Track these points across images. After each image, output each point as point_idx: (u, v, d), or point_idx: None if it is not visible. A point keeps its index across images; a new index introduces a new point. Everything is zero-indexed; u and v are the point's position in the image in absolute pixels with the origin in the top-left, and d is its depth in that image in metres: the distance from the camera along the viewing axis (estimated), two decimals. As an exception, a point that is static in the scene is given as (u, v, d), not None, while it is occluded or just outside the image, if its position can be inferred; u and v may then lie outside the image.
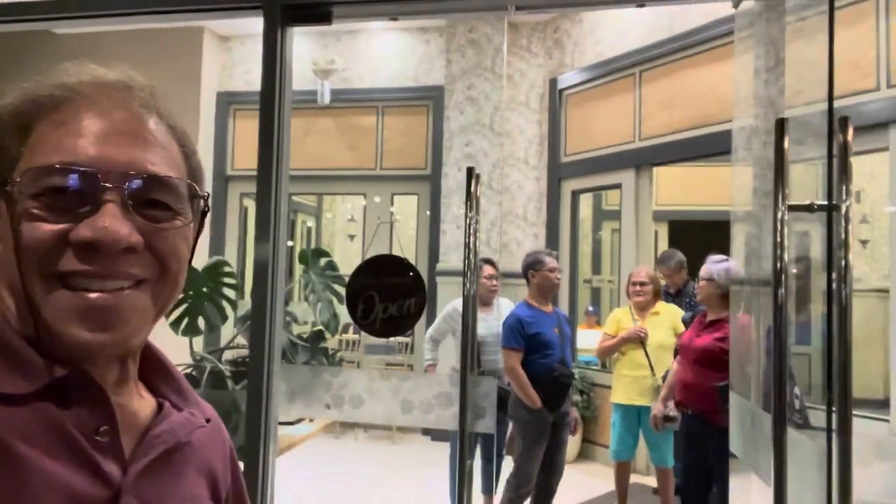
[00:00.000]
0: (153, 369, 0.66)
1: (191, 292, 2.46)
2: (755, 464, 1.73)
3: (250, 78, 6.60)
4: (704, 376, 3.06)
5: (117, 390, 0.60)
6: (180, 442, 0.63)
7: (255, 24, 2.19)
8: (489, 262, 4.01)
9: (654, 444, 3.88)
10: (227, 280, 2.52)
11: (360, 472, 4.86)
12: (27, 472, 0.51)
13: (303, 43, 6.46)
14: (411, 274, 2.17)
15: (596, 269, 7.24)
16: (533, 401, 3.43)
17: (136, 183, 0.57)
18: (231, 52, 6.70)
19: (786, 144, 1.45)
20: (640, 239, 5.33)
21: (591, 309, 6.23)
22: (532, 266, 3.64)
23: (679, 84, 4.92)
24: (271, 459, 2.11)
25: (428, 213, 6.27)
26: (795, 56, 1.96)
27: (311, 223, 8.53)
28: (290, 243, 7.97)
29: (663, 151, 5.05)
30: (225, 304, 2.52)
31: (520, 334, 3.49)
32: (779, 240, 1.43)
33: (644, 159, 5.23)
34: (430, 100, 6.22)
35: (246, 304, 2.67)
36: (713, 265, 3.22)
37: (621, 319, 4.05)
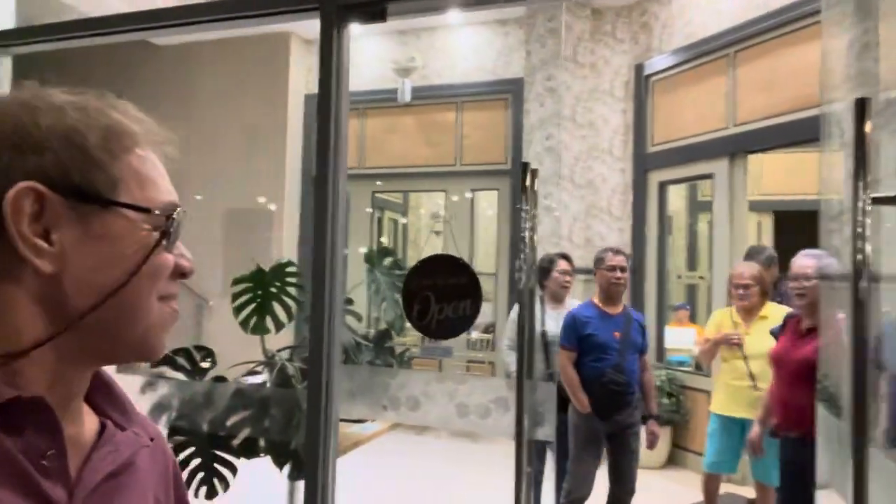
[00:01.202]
0: (96, 388, 0.65)
1: (259, 292, 2.52)
2: (841, 486, 1.54)
3: (334, 79, 6.74)
4: (807, 393, 2.56)
5: (64, 412, 0.59)
6: (125, 462, 0.62)
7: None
8: (564, 257, 3.88)
9: (756, 459, 3.49)
10: (292, 280, 2.56)
11: (425, 470, 4.86)
12: None
13: (383, 43, 6.54)
14: (467, 274, 2.11)
15: (692, 264, 6.87)
16: (580, 404, 3.30)
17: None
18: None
19: (867, 127, 1.27)
20: (735, 232, 4.99)
21: (680, 304, 5.84)
22: (595, 263, 3.49)
23: (776, 64, 4.55)
24: (331, 458, 2.11)
25: (504, 207, 6.17)
26: (890, 35, 1.74)
27: (402, 220, 8.64)
28: (383, 240, 8.13)
29: (760, 137, 4.70)
30: (291, 303, 2.56)
31: (573, 333, 3.37)
32: (858, 231, 1.26)
33: (739, 146, 4.88)
34: (509, 93, 6.11)
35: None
36: (816, 259, 2.74)
37: (721, 323, 3.67)
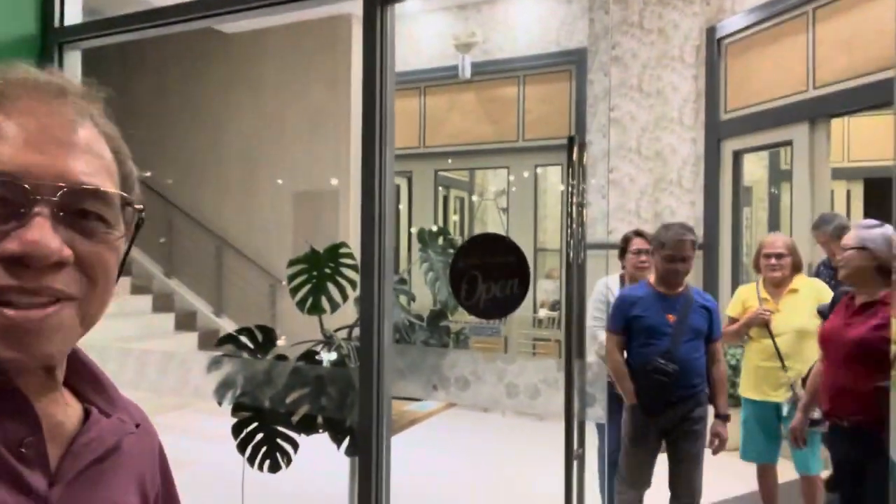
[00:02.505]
0: (79, 375, 0.64)
1: (314, 273, 2.58)
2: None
3: (397, 59, 6.74)
4: (863, 377, 2.40)
5: (42, 399, 0.58)
6: (109, 449, 0.61)
7: (400, 7, 2.23)
8: (639, 234, 3.55)
9: (800, 448, 3.20)
10: (346, 261, 2.60)
11: (497, 449, 4.87)
12: None
13: (442, 18, 6.47)
14: (515, 253, 2.08)
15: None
16: (625, 394, 2.96)
17: (68, 195, 0.54)
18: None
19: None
20: (817, 202, 4.69)
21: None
22: (652, 243, 3.11)
23: (860, 21, 4.19)
24: (385, 436, 2.15)
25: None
26: None
27: (473, 198, 8.62)
28: (454, 218, 8.14)
29: (843, 100, 4.36)
30: (346, 283, 2.60)
31: (620, 315, 3.00)
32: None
33: (820, 110, 4.56)
34: (572, 64, 5.93)
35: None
36: (864, 230, 2.52)
37: (746, 299, 3.39)
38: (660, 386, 2.85)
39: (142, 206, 0.61)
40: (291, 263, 2.60)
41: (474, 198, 8.39)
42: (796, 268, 3.33)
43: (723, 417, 2.98)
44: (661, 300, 2.95)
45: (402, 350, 2.34)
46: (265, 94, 7.02)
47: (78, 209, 0.55)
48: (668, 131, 5.48)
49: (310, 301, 2.56)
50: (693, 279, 3.46)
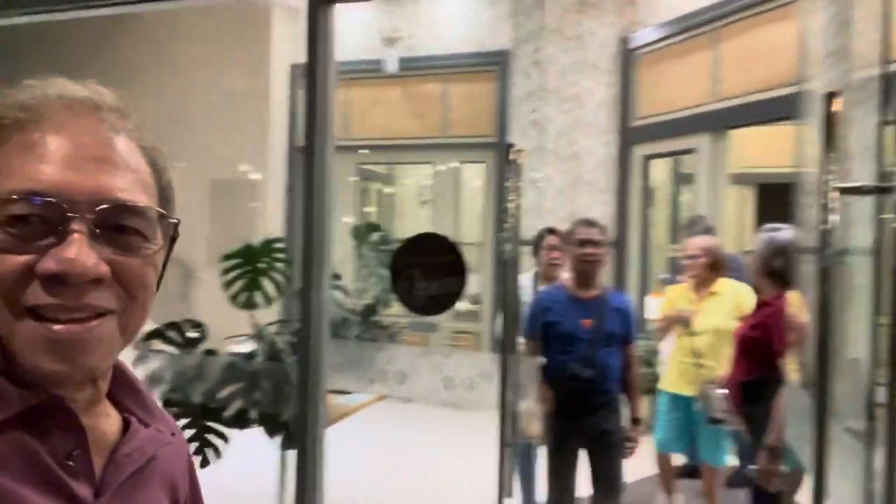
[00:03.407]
0: (119, 385, 0.66)
1: (248, 267, 2.57)
2: (802, 452, 1.64)
3: (319, 50, 6.67)
4: (737, 370, 2.64)
5: (87, 412, 0.60)
6: (148, 459, 0.63)
7: None
8: (552, 231, 3.56)
9: (704, 439, 3.48)
10: (280, 255, 2.61)
11: (412, 441, 4.97)
12: (1, 499, 0.52)
13: (369, 12, 6.46)
14: (454, 253, 2.17)
15: (674, 237, 6.97)
16: (541, 401, 2.79)
17: (104, 211, 0.55)
18: (300, 25, 6.78)
19: (837, 115, 1.33)
20: (716, 205, 5.07)
21: (664, 277, 5.94)
22: (563, 238, 2.99)
23: (760, 41, 4.59)
24: (320, 430, 2.18)
25: (493, 179, 6.21)
26: (868, 13, 1.79)
27: (388, 190, 8.64)
28: (367, 209, 8.14)
29: (742, 113, 4.75)
30: (280, 277, 2.61)
31: (535, 321, 2.87)
32: (824, 209, 1.33)
33: (721, 122, 4.94)
34: (496, 65, 6.10)
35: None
36: (760, 234, 2.68)
37: (675, 299, 3.55)
38: (580, 393, 2.77)
39: (177, 221, 0.63)
40: (226, 258, 2.58)
41: (386, 190, 8.43)
42: (716, 270, 3.42)
43: (637, 422, 2.93)
44: (576, 304, 2.84)
45: (340, 345, 2.39)
46: (176, 77, 6.75)
47: (115, 224, 0.56)
48: (584, 134, 5.75)
49: (244, 296, 2.55)
50: (604, 275, 3.38)
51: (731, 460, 3.84)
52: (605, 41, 5.75)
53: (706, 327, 3.37)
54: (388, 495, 4.13)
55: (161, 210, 0.60)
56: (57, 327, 0.54)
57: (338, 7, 2.13)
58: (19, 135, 0.56)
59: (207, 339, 2.63)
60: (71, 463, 0.57)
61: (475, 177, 7.10)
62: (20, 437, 0.55)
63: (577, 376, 2.75)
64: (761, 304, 2.61)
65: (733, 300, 3.38)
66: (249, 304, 2.58)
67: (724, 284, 3.45)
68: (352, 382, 2.27)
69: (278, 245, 2.62)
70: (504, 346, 2.05)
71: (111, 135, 0.58)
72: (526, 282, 3.48)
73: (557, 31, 5.66)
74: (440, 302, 2.15)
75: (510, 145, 2.07)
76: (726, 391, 2.85)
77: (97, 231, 0.55)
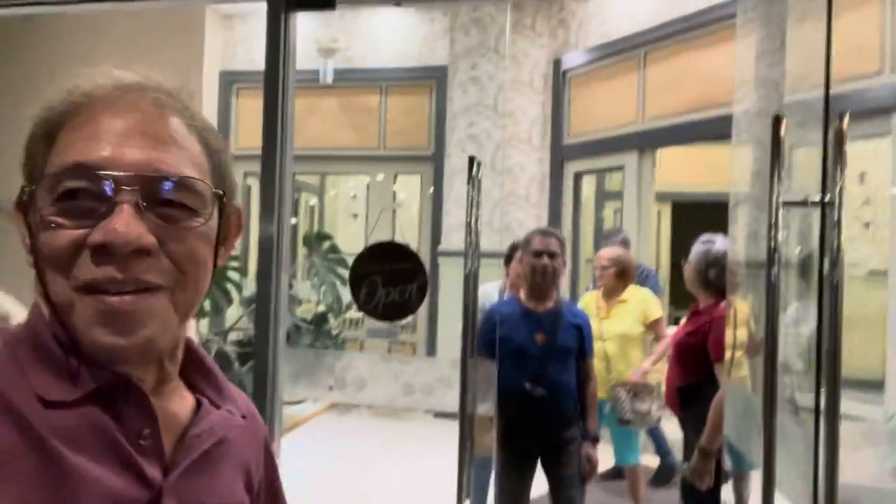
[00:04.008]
0: (192, 366, 0.67)
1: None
2: (747, 448, 1.77)
3: (253, 57, 6.57)
4: (674, 375, 2.74)
5: (157, 392, 0.61)
6: (218, 440, 0.64)
7: (256, 3, 2.20)
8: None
9: (616, 440, 3.64)
10: (230, 263, 2.56)
11: (364, 450, 4.94)
12: (72, 477, 0.53)
13: (306, 22, 6.42)
14: (413, 260, 2.21)
15: (598, 250, 7.26)
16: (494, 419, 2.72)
17: (150, 183, 0.56)
18: (233, 31, 6.66)
19: (782, 138, 1.47)
20: (642, 221, 5.34)
21: (589, 287, 6.17)
22: (521, 247, 2.83)
23: (684, 66, 4.90)
24: (277, 440, 2.16)
25: (430, 192, 6.29)
26: (798, 39, 1.97)
27: (314, 202, 8.55)
28: (293, 221, 8.01)
29: (667, 134, 5.05)
30: (230, 286, 2.56)
31: (486, 336, 2.66)
32: (772, 223, 1.46)
33: (648, 142, 5.22)
34: (433, 79, 6.20)
35: (251, 286, 2.71)
36: (696, 246, 2.76)
37: (587, 306, 3.61)
38: (532, 410, 2.68)
39: (223, 193, 0.62)
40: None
41: (311, 202, 8.33)
42: (623, 277, 3.60)
43: (592, 439, 2.79)
44: (528, 318, 2.72)
45: (296, 353, 2.37)
46: (102, 80, 6.45)
47: (162, 199, 0.57)
48: (518, 150, 5.93)
49: (192, 304, 2.49)
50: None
51: (651, 459, 4.03)
52: (537, 61, 5.97)
53: (615, 333, 3.53)
54: (345, 501, 4.06)
55: (206, 182, 0.60)
56: (109, 298, 0.55)
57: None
58: (75, 118, 0.59)
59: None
60: (142, 442, 0.57)
61: (401, 188, 7.16)
62: (94, 414, 0.56)
63: (528, 395, 2.65)
64: (697, 312, 2.73)
65: (640, 307, 3.58)
66: (198, 313, 2.51)
67: (631, 292, 3.64)
68: (309, 391, 2.26)
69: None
70: (465, 352, 2.10)
71: (159, 112, 0.60)
72: (491, 291, 3.47)
73: (494, 50, 5.83)
74: (400, 308, 2.18)
75: (472, 158, 2.13)
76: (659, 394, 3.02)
77: (144, 204, 0.56)
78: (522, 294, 2.81)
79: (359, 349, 5.77)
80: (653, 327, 3.63)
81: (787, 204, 1.47)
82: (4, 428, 0.53)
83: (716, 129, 4.52)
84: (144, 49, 6.42)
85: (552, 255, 2.70)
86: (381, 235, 6.42)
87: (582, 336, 2.77)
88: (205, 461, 0.62)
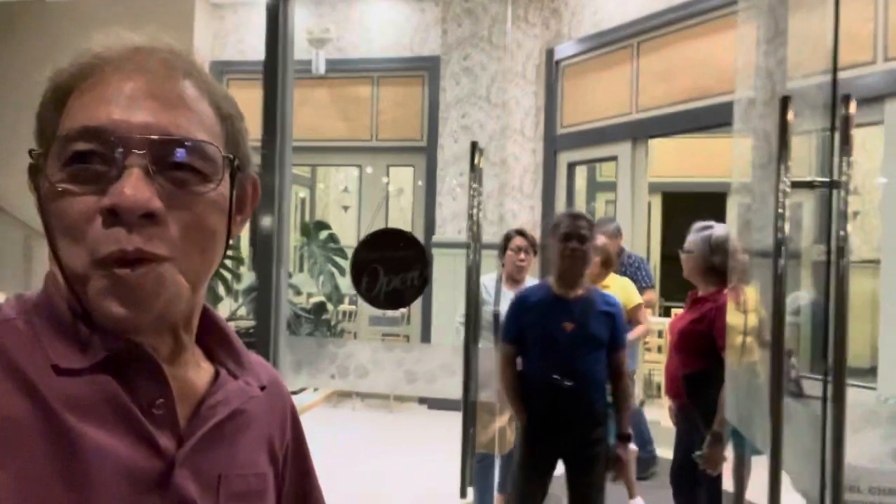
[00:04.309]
0: (212, 336, 0.66)
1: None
2: (751, 432, 1.79)
3: (244, 47, 6.51)
4: (679, 363, 2.70)
5: (173, 361, 0.60)
6: (235, 410, 0.62)
7: None
8: (521, 232, 3.43)
9: None
10: (228, 252, 2.54)
11: (358, 441, 4.95)
12: (82, 445, 0.52)
13: (297, 12, 6.38)
14: (414, 247, 2.20)
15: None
16: (517, 414, 2.58)
17: (159, 146, 0.54)
18: (224, 21, 6.60)
19: (789, 120, 1.48)
20: (634, 211, 5.36)
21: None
22: (551, 232, 2.64)
23: (677, 56, 4.91)
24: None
25: (420, 183, 6.27)
26: (796, 27, 1.97)
27: (304, 194, 8.52)
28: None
29: (660, 124, 5.06)
30: (227, 275, 2.55)
31: (514, 322, 2.60)
32: (780, 212, 1.47)
33: (641, 131, 5.24)
34: (425, 70, 6.17)
35: (248, 277, 2.70)
36: (692, 234, 2.75)
37: None
38: (556, 404, 2.48)
39: (235, 158, 0.59)
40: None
41: (300, 194, 8.29)
42: (607, 266, 3.60)
43: (625, 438, 2.60)
44: (558, 305, 2.54)
45: (297, 341, 2.36)
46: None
47: (173, 163, 0.55)
48: (512, 141, 5.93)
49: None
50: (530, 277, 3.45)
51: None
52: (530, 52, 5.96)
53: None
54: (342, 494, 4.07)
55: (216, 146, 0.58)
56: (119, 270, 0.53)
57: (263, 4, 2.11)
58: (84, 82, 0.57)
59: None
60: (155, 411, 0.56)
61: (401, 180, 7.14)
62: (104, 383, 0.55)
63: (557, 385, 2.45)
64: (699, 300, 2.70)
65: (620, 294, 3.49)
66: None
67: (612, 279, 3.65)
68: (310, 378, 2.26)
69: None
70: (468, 339, 2.11)
71: (169, 73, 0.58)
72: (489, 283, 3.43)
73: (487, 40, 5.81)
74: (402, 296, 2.18)
75: (475, 144, 2.13)
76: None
77: (154, 168, 0.54)
78: (552, 279, 2.64)
79: (352, 339, 5.77)
80: (632, 313, 3.63)
81: (796, 185, 1.48)
82: (16, 397, 0.52)
83: (709, 119, 4.54)
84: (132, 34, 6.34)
85: (581, 239, 2.53)
86: (374, 226, 6.40)
87: (614, 325, 2.58)
88: (220, 432, 0.60)
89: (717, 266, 2.60)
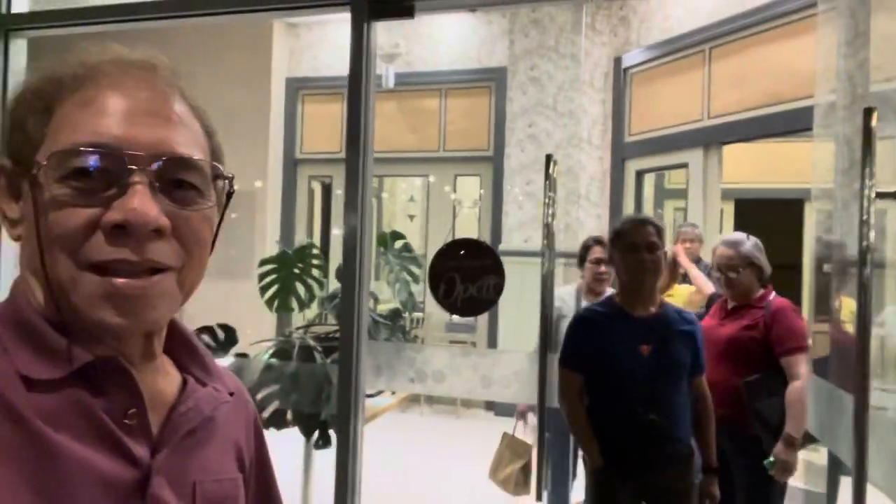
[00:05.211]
0: (178, 344, 0.66)
1: (283, 273, 2.64)
2: (834, 442, 1.77)
3: (318, 64, 6.77)
4: (731, 373, 2.48)
5: (143, 368, 0.60)
6: (206, 418, 0.63)
7: (326, 16, 2.30)
8: (599, 241, 3.13)
9: None
10: (315, 262, 2.68)
11: (427, 445, 5.04)
12: (57, 458, 0.52)
13: (375, 28, 6.59)
14: (490, 257, 2.28)
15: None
16: (589, 455, 2.18)
17: (164, 164, 0.56)
18: (299, 39, 6.88)
19: (874, 127, 1.48)
20: (706, 219, 5.27)
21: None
22: (612, 241, 2.30)
23: (750, 61, 4.82)
24: (360, 428, 2.26)
25: (485, 192, 6.35)
26: (878, 29, 1.94)
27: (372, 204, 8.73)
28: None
29: (733, 130, 4.97)
30: (313, 283, 2.69)
31: (578, 346, 2.22)
32: (864, 219, 1.47)
33: (713, 138, 5.15)
34: (492, 81, 6.26)
35: (331, 283, 2.84)
36: (743, 247, 2.59)
37: None
38: (635, 443, 2.11)
39: (231, 175, 0.63)
40: (262, 263, 2.65)
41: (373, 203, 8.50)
42: (673, 273, 3.61)
43: (713, 472, 2.24)
44: (630, 325, 2.18)
45: (378, 346, 2.47)
46: (176, 89, 6.77)
47: (173, 179, 0.57)
48: (579, 149, 5.93)
49: (278, 300, 2.62)
50: (611, 289, 3.17)
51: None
52: (598, 60, 5.96)
53: None
54: (411, 497, 4.17)
55: (216, 164, 0.61)
56: (118, 281, 0.54)
57: (335, 23, 2.23)
58: (79, 93, 0.57)
59: (238, 343, 2.69)
60: (128, 421, 0.56)
61: (468, 190, 7.24)
62: (77, 395, 0.54)
63: (636, 420, 2.08)
64: (742, 307, 2.60)
65: (685, 302, 3.46)
66: (284, 308, 2.65)
67: (677, 289, 3.66)
68: (389, 382, 2.36)
69: (312, 251, 2.70)
70: (544, 346, 2.16)
71: (167, 92, 0.59)
72: (566, 296, 3.20)
73: (554, 50, 5.85)
74: (478, 303, 2.25)
75: (549, 156, 2.19)
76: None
77: (157, 184, 0.55)
78: (620, 294, 2.29)
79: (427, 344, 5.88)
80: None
81: (882, 195, 1.47)
82: None
83: (785, 124, 4.43)
84: (214, 59, 6.71)
85: (651, 248, 2.17)
86: (441, 236, 6.52)
87: (695, 346, 2.22)
88: (192, 439, 0.61)
89: (765, 269, 2.57)
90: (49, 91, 0.57)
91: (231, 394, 0.67)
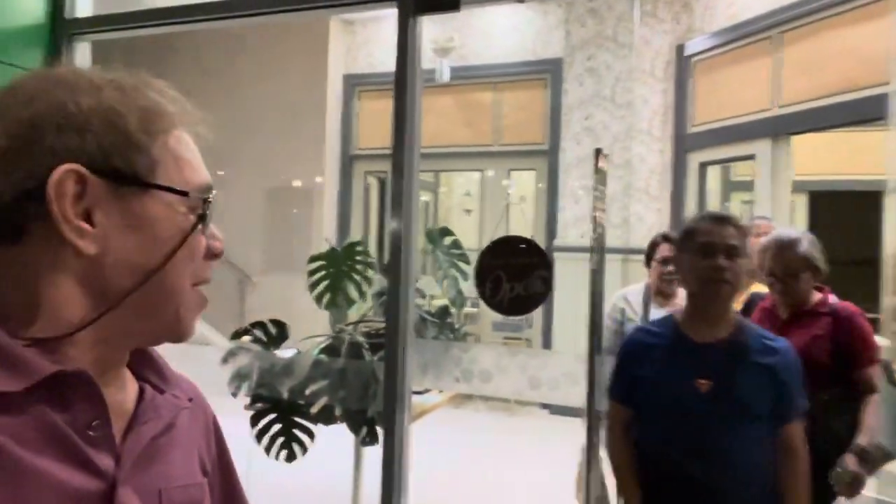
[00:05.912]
0: (133, 354, 0.66)
1: (332, 270, 2.66)
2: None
3: (373, 60, 6.82)
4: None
5: (106, 380, 0.60)
6: (167, 425, 0.64)
7: (379, 11, 2.28)
8: (668, 238, 2.84)
9: None
10: (362, 258, 2.69)
11: (480, 443, 5.02)
12: (21, 473, 0.51)
13: (421, 22, 6.58)
14: (537, 254, 2.22)
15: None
16: (627, 501, 1.81)
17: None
18: (355, 36, 6.95)
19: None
20: (776, 212, 5.02)
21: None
22: (679, 241, 1.85)
23: (822, 46, 4.55)
24: (406, 426, 2.25)
25: (542, 186, 6.25)
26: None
27: (427, 198, 8.75)
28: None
29: (804, 119, 4.71)
30: (361, 280, 2.70)
31: (625, 374, 1.86)
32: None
33: (782, 128, 4.90)
34: (548, 73, 6.15)
35: (378, 280, 2.84)
36: (802, 248, 2.25)
37: None
38: (684, 498, 1.70)
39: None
40: (311, 260, 2.67)
41: (423, 198, 8.50)
42: (751, 279, 3.09)
43: None
44: (688, 352, 1.74)
45: (424, 344, 2.45)
46: (239, 90, 6.96)
47: None
48: (638, 141, 5.76)
49: (327, 297, 2.64)
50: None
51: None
52: (659, 49, 5.76)
53: None
54: (463, 495, 4.17)
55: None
56: (203, 292, 0.65)
57: (388, 18, 2.21)
58: (175, 130, 0.62)
59: (289, 339, 2.73)
60: (92, 433, 0.56)
61: (523, 184, 7.15)
62: (38, 408, 0.54)
63: (687, 473, 1.67)
64: (805, 313, 2.32)
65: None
66: (333, 305, 2.67)
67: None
68: (436, 381, 2.34)
69: (360, 248, 2.70)
70: (592, 348, 2.09)
71: (197, 135, 0.66)
72: (633, 297, 2.94)
73: (612, 39, 5.69)
74: (525, 302, 2.20)
75: (598, 150, 2.11)
76: None
77: None
78: (684, 312, 1.84)
79: (474, 343, 5.85)
80: None
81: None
82: None
83: (860, 112, 4.16)
84: (276, 58, 6.85)
85: (730, 253, 1.71)
86: (497, 231, 6.47)
87: (780, 383, 1.71)
88: (155, 447, 0.62)
89: (822, 270, 2.30)
90: (153, 118, 0.60)
91: (190, 399, 0.69)
